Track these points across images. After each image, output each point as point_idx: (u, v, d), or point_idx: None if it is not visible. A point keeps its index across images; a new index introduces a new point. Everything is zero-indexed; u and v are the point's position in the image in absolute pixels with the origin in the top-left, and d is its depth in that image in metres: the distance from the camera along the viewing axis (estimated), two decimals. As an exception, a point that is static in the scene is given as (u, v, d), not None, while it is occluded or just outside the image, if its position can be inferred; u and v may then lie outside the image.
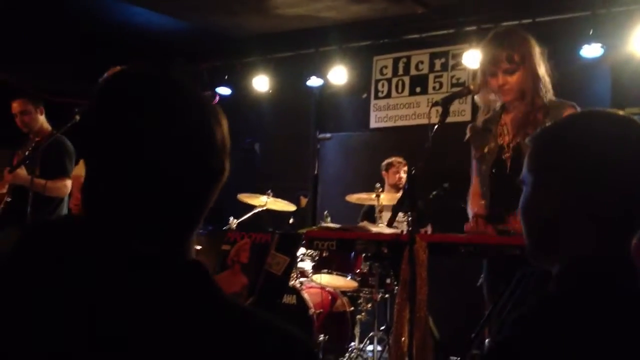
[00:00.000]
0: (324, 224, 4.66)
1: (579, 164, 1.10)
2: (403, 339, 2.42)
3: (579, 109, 2.79)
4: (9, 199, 4.56)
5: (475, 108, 3.62)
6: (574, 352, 0.98)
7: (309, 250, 4.97)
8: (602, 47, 5.13)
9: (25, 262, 0.89)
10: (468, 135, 2.99)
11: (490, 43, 2.84)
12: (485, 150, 2.86)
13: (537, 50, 2.77)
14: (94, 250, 0.88)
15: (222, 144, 0.98)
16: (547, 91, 2.78)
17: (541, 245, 1.16)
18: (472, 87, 2.82)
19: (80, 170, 4.45)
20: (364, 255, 4.44)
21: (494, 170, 2.82)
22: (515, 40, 2.76)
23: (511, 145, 2.80)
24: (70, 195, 4.59)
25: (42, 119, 4.68)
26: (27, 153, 4.23)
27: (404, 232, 2.58)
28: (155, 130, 0.91)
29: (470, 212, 2.85)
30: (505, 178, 2.75)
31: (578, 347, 0.98)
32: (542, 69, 2.76)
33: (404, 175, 5.57)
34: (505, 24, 5.58)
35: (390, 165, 5.67)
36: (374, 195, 5.08)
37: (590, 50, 5.19)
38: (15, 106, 4.68)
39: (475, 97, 2.96)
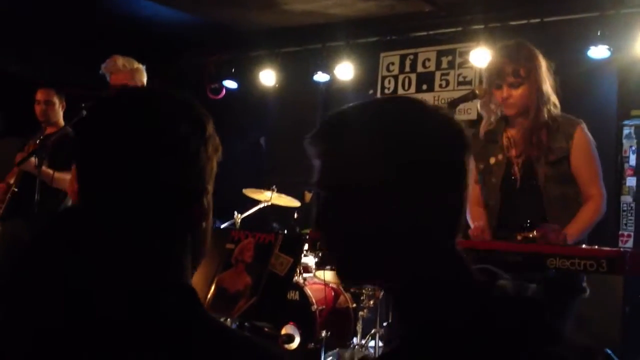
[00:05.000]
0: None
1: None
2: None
3: (584, 126, 2.79)
4: (15, 189, 4.57)
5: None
6: None
7: (313, 247, 5.00)
8: (608, 49, 5.11)
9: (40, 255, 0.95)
10: None
11: (497, 55, 2.85)
12: (492, 161, 2.85)
13: (544, 66, 2.76)
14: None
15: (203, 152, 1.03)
16: (554, 107, 2.78)
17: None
18: (478, 91, 2.83)
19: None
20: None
21: (502, 184, 2.81)
22: (522, 54, 2.75)
23: (519, 161, 2.81)
24: None
25: (60, 113, 4.70)
26: (37, 143, 4.25)
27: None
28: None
29: (471, 223, 2.85)
30: (515, 193, 2.77)
31: None
32: (547, 85, 2.75)
33: None
34: (512, 23, 5.58)
35: None
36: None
37: (598, 52, 5.17)
38: (41, 94, 4.66)
39: (478, 106, 2.97)
